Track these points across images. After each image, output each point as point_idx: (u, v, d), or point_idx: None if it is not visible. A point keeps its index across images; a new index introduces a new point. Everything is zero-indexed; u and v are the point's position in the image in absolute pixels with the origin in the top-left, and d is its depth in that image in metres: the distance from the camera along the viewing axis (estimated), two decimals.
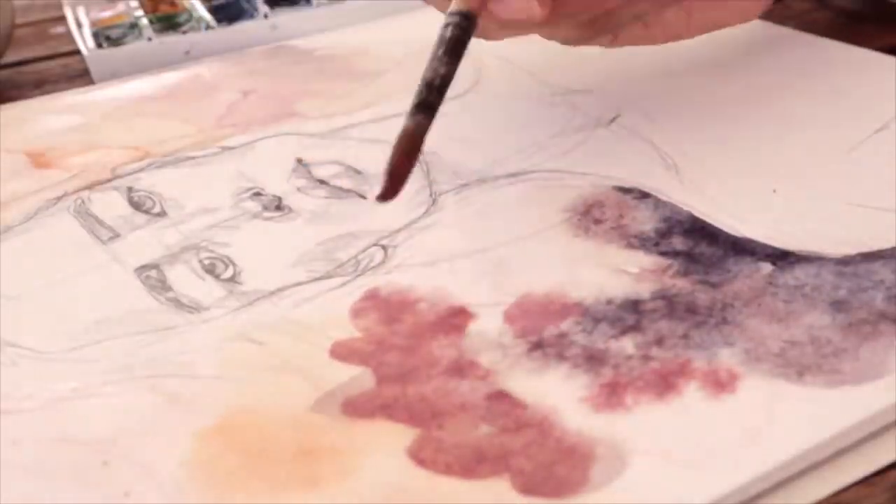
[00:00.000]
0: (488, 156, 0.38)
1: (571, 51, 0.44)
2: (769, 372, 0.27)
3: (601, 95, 0.41)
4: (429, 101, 0.30)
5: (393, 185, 0.30)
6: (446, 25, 0.32)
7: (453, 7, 0.32)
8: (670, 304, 0.30)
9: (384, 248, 0.33)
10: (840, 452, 0.25)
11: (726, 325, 0.29)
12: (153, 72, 0.47)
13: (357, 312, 0.30)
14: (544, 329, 0.29)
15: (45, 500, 0.25)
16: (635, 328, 0.29)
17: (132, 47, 0.48)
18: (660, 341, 0.28)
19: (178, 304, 0.31)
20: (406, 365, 0.28)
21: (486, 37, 0.35)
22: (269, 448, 0.26)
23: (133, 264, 0.33)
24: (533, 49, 0.45)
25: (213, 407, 0.27)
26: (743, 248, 0.32)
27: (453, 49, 0.32)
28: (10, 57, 0.50)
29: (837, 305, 0.29)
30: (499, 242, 0.33)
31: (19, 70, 0.50)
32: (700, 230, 0.33)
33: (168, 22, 0.50)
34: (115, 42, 0.49)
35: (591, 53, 0.45)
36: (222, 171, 0.38)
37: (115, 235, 0.35)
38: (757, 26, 0.45)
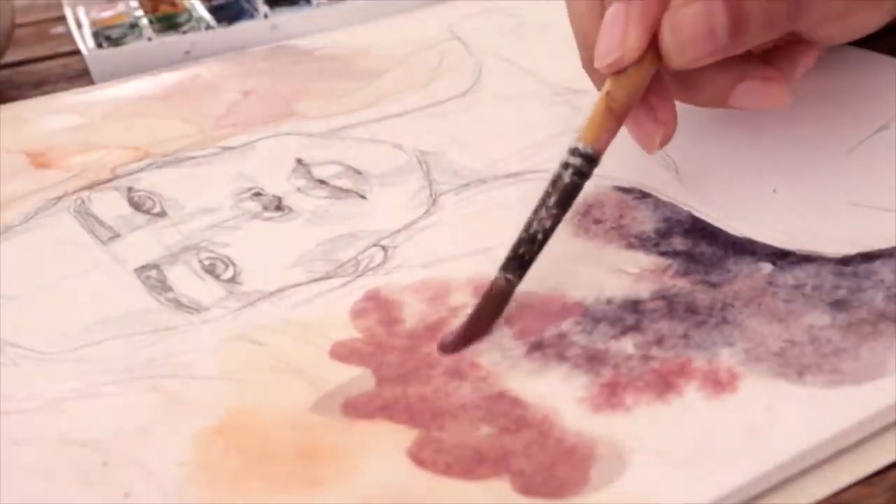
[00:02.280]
0: (488, 156, 0.38)
1: (571, 51, 0.44)
2: (769, 372, 0.27)
3: None
4: (525, 258, 0.29)
5: (465, 340, 0.29)
6: (565, 167, 0.30)
7: (578, 143, 0.30)
8: (670, 304, 0.30)
9: (384, 248, 0.33)
10: (840, 452, 0.25)
11: (726, 325, 0.29)
12: (153, 72, 0.47)
13: (357, 313, 0.30)
14: (544, 329, 0.29)
15: (45, 501, 0.25)
16: (635, 328, 0.29)
17: (132, 47, 0.48)
18: (660, 341, 0.28)
19: (178, 304, 0.31)
20: (406, 366, 0.28)
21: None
22: (270, 448, 0.26)
23: (133, 264, 0.33)
24: (533, 49, 0.46)
25: (213, 407, 0.27)
26: (743, 248, 0.32)
27: (566, 199, 0.30)
28: (10, 57, 0.50)
29: (837, 305, 0.29)
30: (499, 242, 0.33)
31: (19, 70, 0.50)
32: (700, 230, 0.33)
33: (168, 22, 0.50)
34: (115, 42, 0.49)
35: None
36: (222, 171, 0.38)
37: (115, 235, 0.35)
38: None
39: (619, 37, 0.30)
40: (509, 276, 0.29)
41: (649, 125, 0.32)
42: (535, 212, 0.30)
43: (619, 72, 0.31)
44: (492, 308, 0.29)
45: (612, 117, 0.31)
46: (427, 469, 0.25)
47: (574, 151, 0.30)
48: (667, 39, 0.30)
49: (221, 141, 0.40)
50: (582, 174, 0.30)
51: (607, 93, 0.31)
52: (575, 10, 0.35)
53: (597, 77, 0.34)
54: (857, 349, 0.27)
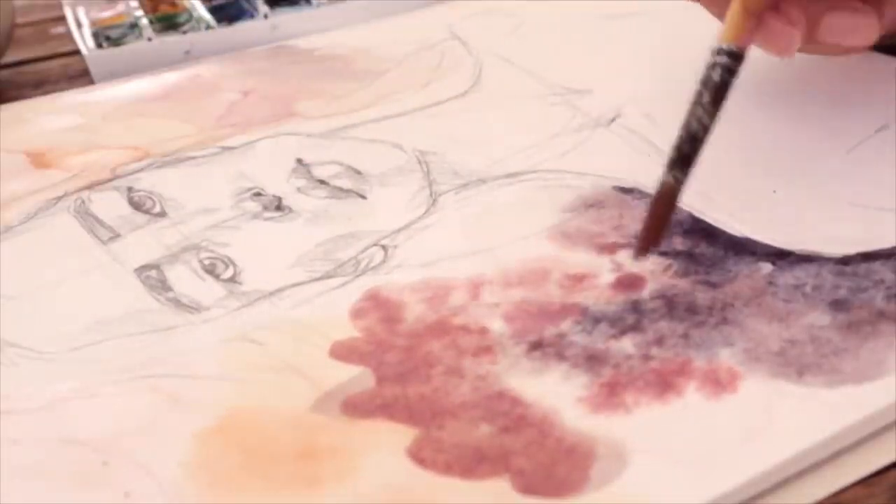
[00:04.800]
0: (488, 156, 0.38)
1: (571, 51, 0.44)
2: (769, 372, 0.27)
3: (601, 95, 0.41)
4: (688, 155, 0.30)
5: (649, 242, 0.30)
6: (713, 66, 0.31)
7: (721, 44, 0.31)
8: (670, 304, 0.30)
9: (384, 248, 0.33)
10: (840, 452, 0.25)
11: (726, 325, 0.29)
12: (153, 72, 0.47)
13: (357, 313, 0.30)
14: (544, 329, 0.29)
15: (45, 501, 0.25)
16: (635, 328, 0.29)
17: (132, 47, 0.48)
18: (660, 341, 0.28)
19: (178, 304, 0.31)
20: (406, 365, 0.28)
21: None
22: (269, 448, 0.26)
23: (133, 264, 0.33)
24: (533, 49, 0.46)
25: (213, 407, 0.27)
26: (743, 248, 0.32)
27: (719, 96, 0.30)
28: (10, 57, 0.50)
29: (837, 305, 0.29)
30: (499, 242, 0.33)
31: (19, 70, 0.50)
32: (700, 230, 0.33)
33: (168, 22, 0.50)
34: (115, 42, 0.49)
35: (591, 53, 0.45)
36: (222, 171, 0.38)
37: (115, 235, 0.35)
38: None
39: None
40: (676, 174, 0.29)
41: (782, 28, 0.33)
42: (691, 112, 0.30)
43: None
44: (665, 207, 0.29)
45: (749, 16, 0.31)
46: (427, 468, 0.25)
47: (718, 51, 0.31)
48: None
49: (221, 141, 0.40)
50: (730, 70, 0.30)
51: None
52: None
53: (715, 3, 0.35)
54: (857, 349, 0.27)
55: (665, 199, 0.29)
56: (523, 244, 0.33)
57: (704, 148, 0.30)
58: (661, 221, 0.29)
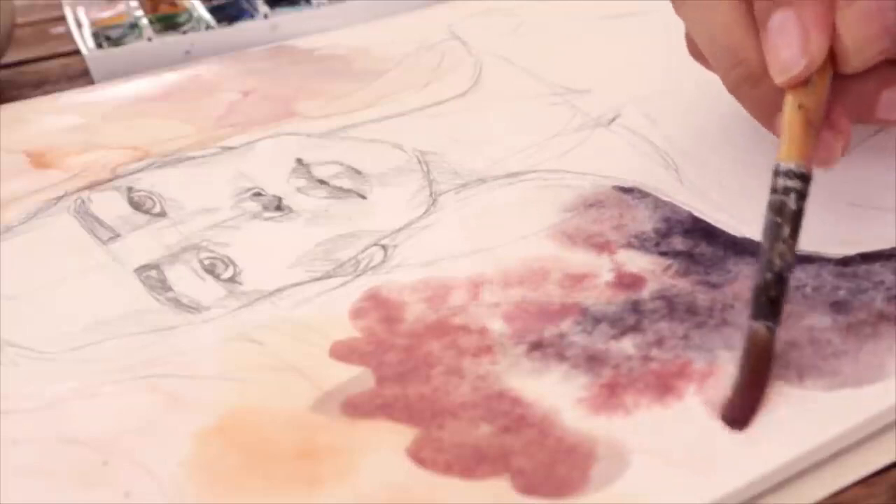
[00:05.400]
0: (488, 156, 0.38)
1: (571, 51, 0.44)
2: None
3: (601, 95, 0.41)
4: (777, 298, 0.27)
5: (747, 407, 0.26)
6: (785, 191, 0.27)
7: (789, 164, 0.28)
8: (670, 305, 0.30)
9: (384, 247, 0.33)
10: (840, 452, 0.25)
11: (727, 327, 0.29)
12: (153, 72, 0.47)
13: (357, 312, 0.30)
14: (544, 329, 0.29)
15: (45, 501, 0.25)
16: (635, 328, 0.29)
17: (132, 47, 0.48)
18: (660, 342, 0.28)
19: (178, 304, 0.31)
20: (406, 365, 0.28)
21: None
22: (269, 448, 0.26)
23: (133, 264, 0.33)
24: (533, 49, 0.46)
25: (213, 407, 0.27)
26: (743, 248, 0.32)
27: (798, 226, 0.27)
28: (10, 57, 0.50)
29: (837, 306, 0.29)
30: (499, 242, 0.33)
31: (19, 70, 0.50)
32: (700, 230, 0.33)
33: (168, 22, 0.50)
34: (115, 42, 0.49)
35: (591, 53, 0.45)
36: (222, 171, 0.38)
37: (115, 235, 0.35)
38: None
39: (800, 45, 0.28)
40: (769, 323, 0.27)
41: (827, 136, 0.30)
42: (771, 248, 0.27)
43: (803, 82, 0.29)
44: (762, 361, 0.27)
45: (812, 130, 0.29)
46: (427, 468, 0.25)
47: (789, 174, 0.28)
48: (846, 41, 0.29)
49: (221, 141, 0.40)
50: (803, 195, 0.28)
51: (799, 106, 0.29)
52: (720, 23, 0.31)
53: (752, 97, 0.31)
54: (857, 351, 0.27)
55: (761, 352, 0.26)
56: (523, 244, 0.33)
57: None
58: (761, 378, 0.26)
